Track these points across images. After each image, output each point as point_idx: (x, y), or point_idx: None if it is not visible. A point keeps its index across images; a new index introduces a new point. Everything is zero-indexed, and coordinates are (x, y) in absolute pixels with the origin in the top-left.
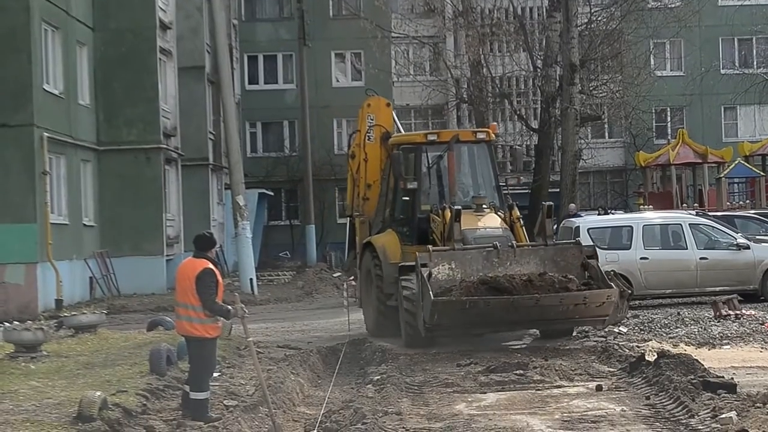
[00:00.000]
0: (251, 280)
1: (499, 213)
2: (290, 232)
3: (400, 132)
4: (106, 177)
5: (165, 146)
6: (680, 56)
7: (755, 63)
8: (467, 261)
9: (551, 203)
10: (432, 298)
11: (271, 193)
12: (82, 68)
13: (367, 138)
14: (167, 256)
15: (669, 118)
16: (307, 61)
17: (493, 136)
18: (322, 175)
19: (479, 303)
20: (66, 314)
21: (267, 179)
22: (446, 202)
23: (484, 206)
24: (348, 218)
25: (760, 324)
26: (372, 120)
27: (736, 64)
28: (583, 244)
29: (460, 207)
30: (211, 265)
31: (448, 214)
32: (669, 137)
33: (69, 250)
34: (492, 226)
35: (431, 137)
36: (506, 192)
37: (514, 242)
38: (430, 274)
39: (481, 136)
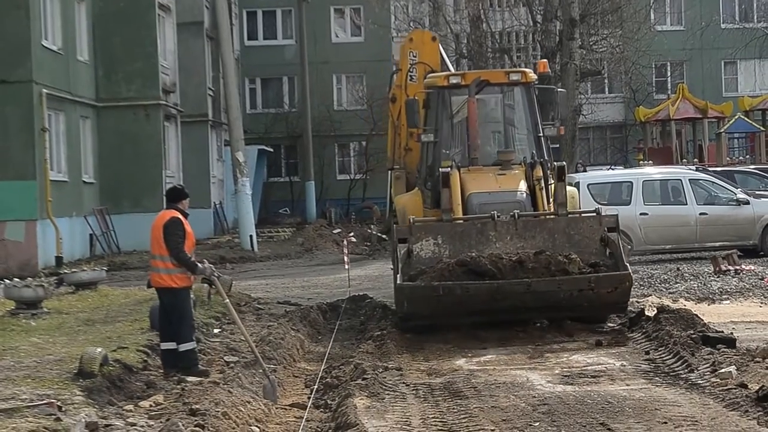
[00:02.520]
0: (251, 236)
1: (531, 172)
2: (290, 188)
3: (449, 71)
4: (106, 133)
5: (164, 102)
6: (680, 11)
7: (755, 17)
8: (457, 235)
9: (563, 163)
10: (398, 282)
11: (271, 150)
12: (81, 24)
13: (409, 78)
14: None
15: (669, 73)
16: (306, 16)
17: (533, 76)
18: (321, 132)
19: (455, 289)
20: (66, 271)
21: (266, 135)
22: (464, 158)
23: (512, 163)
24: (389, 172)
25: (760, 279)
26: (415, 57)
27: (737, 18)
28: (603, 213)
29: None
30: (179, 215)
31: (455, 174)
32: (669, 92)
33: (69, 207)
34: (509, 189)
35: (454, 80)
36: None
37: (516, 212)
38: (409, 252)
39: (515, 77)
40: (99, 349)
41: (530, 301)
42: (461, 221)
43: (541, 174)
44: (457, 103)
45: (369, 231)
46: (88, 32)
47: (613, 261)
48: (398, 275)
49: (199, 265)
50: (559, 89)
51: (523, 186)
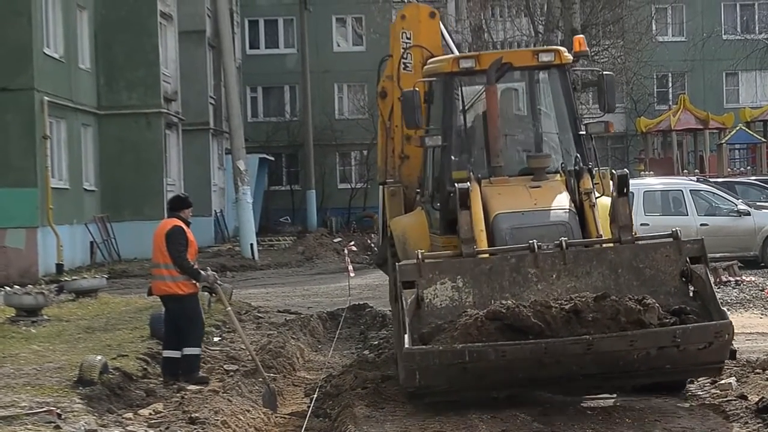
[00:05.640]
0: (252, 245)
1: (572, 182)
2: (291, 197)
3: (453, 54)
4: (107, 141)
5: (166, 110)
6: (682, 21)
7: (757, 28)
8: (483, 276)
9: (626, 171)
10: (406, 347)
11: (272, 158)
12: (83, 32)
13: (402, 66)
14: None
15: (670, 84)
16: (308, 25)
17: (569, 57)
18: (322, 140)
19: (487, 354)
20: (67, 278)
21: (267, 144)
22: (482, 167)
23: (547, 171)
24: (380, 188)
25: (760, 290)
26: (409, 39)
27: (738, 30)
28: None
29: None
30: (181, 224)
31: (476, 189)
32: (670, 103)
33: (69, 215)
34: (548, 207)
35: (466, 63)
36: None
37: (564, 240)
38: (419, 300)
39: (546, 58)
40: (99, 357)
41: (592, 365)
42: (488, 255)
43: (591, 185)
44: (471, 95)
45: (369, 241)
46: (89, 40)
47: (700, 304)
48: (406, 335)
49: (203, 272)
50: (605, 72)
51: (566, 202)
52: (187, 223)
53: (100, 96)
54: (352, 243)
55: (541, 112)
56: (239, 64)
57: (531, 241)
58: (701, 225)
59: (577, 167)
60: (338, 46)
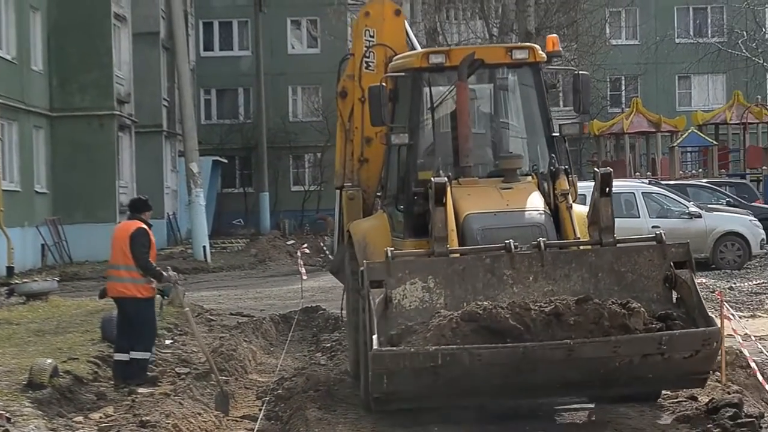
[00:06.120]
0: (204, 247)
1: (545, 185)
2: (244, 199)
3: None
4: (59, 143)
5: (118, 113)
6: (635, 25)
7: (710, 32)
8: (456, 276)
9: (609, 169)
10: (374, 348)
11: (225, 161)
12: (36, 33)
13: (364, 65)
14: (120, 223)
15: (623, 87)
16: (262, 27)
17: (542, 55)
18: (276, 143)
19: (461, 357)
20: (17, 281)
21: (221, 146)
22: (450, 167)
23: (519, 173)
24: (337, 192)
25: (711, 292)
26: (372, 37)
27: (691, 33)
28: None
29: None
30: (144, 226)
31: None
32: (623, 106)
33: (21, 217)
34: (521, 208)
35: (436, 59)
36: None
37: (542, 240)
38: (387, 300)
39: (519, 55)
40: (49, 360)
41: (572, 372)
42: (462, 255)
43: (568, 186)
44: (439, 94)
45: (322, 244)
46: (42, 42)
47: (685, 311)
48: (374, 336)
49: (165, 273)
50: (581, 72)
51: (540, 203)
52: (149, 225)
53: (53, 98)
54: (306, 245)
55: (512, 112)
56: (193, 66)
57: (507, 241)
58: (653, 227)
59: (552, 168)
60: (293, 48)
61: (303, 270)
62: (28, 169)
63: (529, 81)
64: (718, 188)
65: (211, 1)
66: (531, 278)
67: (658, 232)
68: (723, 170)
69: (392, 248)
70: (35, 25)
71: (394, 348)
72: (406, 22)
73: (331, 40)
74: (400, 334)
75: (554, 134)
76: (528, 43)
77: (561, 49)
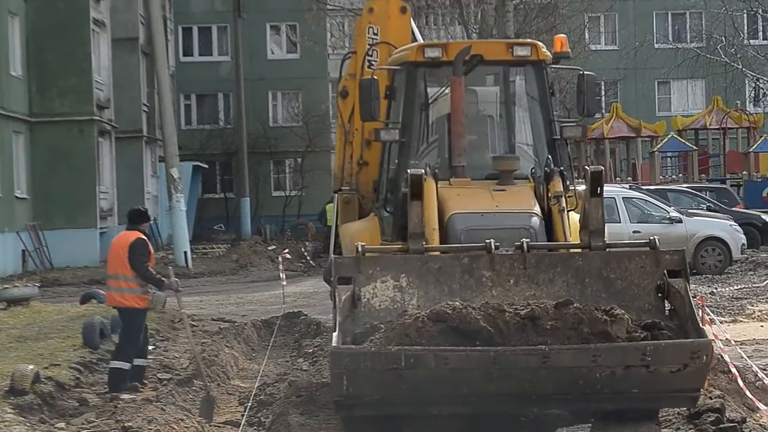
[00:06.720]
0: (185, 253)
1: (541, 188)
2: (225, 205)
3: None
4: (39, 149)
5: (98, 118)
6: (614, 30)
7: (689, 37)
8: (431, 275)
9: (601, 168)
10: (332, 346)
11: (206, 166)
12: (14, 39)
13: (367, 64)
14: (100, 228)
15: (603, 92)
16: (242, 32)
17: (547, 54)
18: (257, 148)
19: (426, 359)
20: None
21: (201, 152)
22: (443, 168)
23: (516, 177)
24: (335, 195)
25: (692, 297)
26: (376, 35)
27: (670, 39)
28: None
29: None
30: (143, 237)
31: (431, 183)
32: (603, 111)
33: (1, 223)
34: (512, 210)
35: (432, 53)
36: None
37: (525, 241)
38: (355, 298)
39: (521, 52)
40: (31, 367)
41: (547, 382)
42: (438, 253)
43: (561, 188)
44: (435, 91)
45: (303, 249)
46: (21, 47)
47: (677, 324)
48: (335, 333)
49: (165, 280)
50: (586, 72)
51: (531, 205)
52: (147, 236)
53: (32, 103)
54: (287, 251)
55: (513, 112)
56: (173, 72)
57: (487, 241)
58: (634, 232)
59: (547, 169)
60: (272, 53)
61: (283, 275)
62: (8, 174)
63: (531, 80)
64: (698, 193)
65: (190, 6)
66: (512, 281)
67: (651, 238)
68: (703, 175)
69: (363, 243)
70: (14, 30)
71: (354, 346)
72: (412, 20)
73: (311, 46)
74: (364, 332)
75: (555, 137)
76: (531, 40)
77: (569, 50)
